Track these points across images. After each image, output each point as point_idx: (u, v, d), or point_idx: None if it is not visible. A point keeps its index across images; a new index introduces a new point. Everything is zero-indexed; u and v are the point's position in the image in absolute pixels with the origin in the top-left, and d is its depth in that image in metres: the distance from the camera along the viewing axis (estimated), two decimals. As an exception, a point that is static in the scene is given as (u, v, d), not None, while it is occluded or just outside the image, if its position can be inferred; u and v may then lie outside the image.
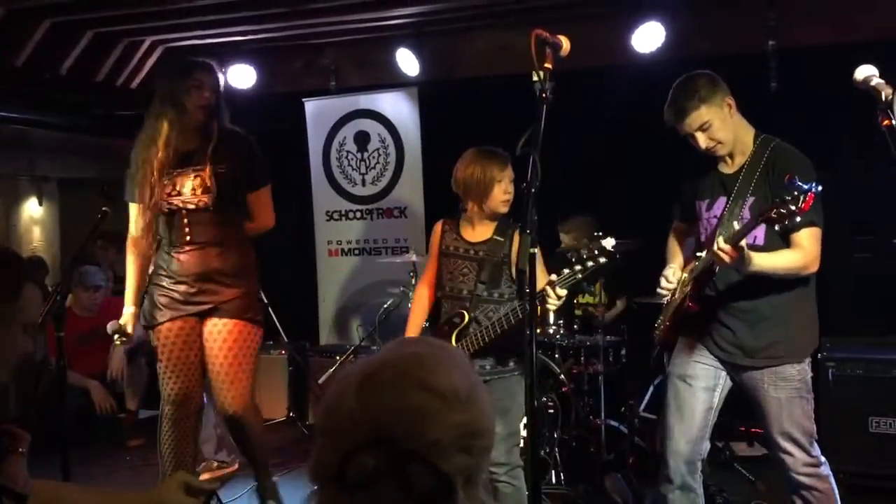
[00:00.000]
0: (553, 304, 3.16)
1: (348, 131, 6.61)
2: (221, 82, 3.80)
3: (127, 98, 6.38)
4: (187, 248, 3.70)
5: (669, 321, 3.24)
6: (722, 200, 3.08)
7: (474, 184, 3.39)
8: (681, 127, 3.03)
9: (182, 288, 3.71)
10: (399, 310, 5.60)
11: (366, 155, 6.58)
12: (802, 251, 2.90)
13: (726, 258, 2.74)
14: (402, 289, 5.59)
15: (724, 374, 3.16)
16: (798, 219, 2.60)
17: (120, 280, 6.91)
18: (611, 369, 4.92)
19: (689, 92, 2.99)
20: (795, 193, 2.51)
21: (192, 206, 3.67)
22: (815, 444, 3.08)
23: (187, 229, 3.69)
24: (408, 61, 5.95)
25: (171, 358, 3.74)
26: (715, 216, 3.09)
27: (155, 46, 6.27)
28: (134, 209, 3.77)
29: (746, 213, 2.92)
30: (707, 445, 3.24)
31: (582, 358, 4.93)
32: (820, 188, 2.52)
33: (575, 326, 5.05)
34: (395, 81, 6.29)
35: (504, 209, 3.45)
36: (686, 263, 3.27)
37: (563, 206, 5.52)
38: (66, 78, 5.79)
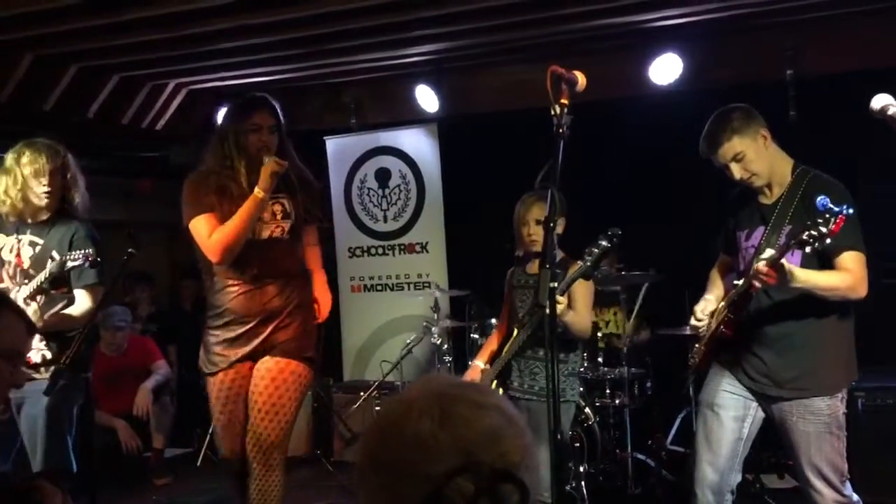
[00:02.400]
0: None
1: (369, 168, 6.68)
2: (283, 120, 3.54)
3: (152, 140, 6.49)
4: (254, 283, 3.40)
5: (705, 348, 3.23)
6: (760, 230, 3.09)
7: (514, 227, 3.72)
8: (714, 158, 3.05)
9: (244, 328, 3.41)
10: (422, 345, 5.60)
11: (387, 191, 6.63)
12: (848, 273, 2.87)
13: (766, 279, 2.73)
14: (424, 324, 5.60)
15: (754, 404, 3.12)
16: (829, 241, 2.56)
17: (151, 319, 7.00)
18: (636, 402, 4.89)
19: (722, 124, 3.02)
20: (826, 216, 2.50)
21: (265, 236, 3.42)
22: (848, 484, 3.02)
23: (256, 261, 3.39)
24: (427, 98, 6.01)
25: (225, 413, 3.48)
26: (753, 245, 3.09)
27: (179, 89, 6.38)
28: (204, 221, 3.35)
29: (783, 241, 2.90)
30: (737, 477, 3.20)
31: (607, 390, 4.91)
32: (851, 211, 2.50)
33: (599, 359, 5.03)
34: (414, 118, 6.36)
35: (534, 248, 3.70)
36: (725, 294, 3.26)
37: (585, 238, 5.52)
38: (92, 121, 5.91)
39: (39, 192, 3.62)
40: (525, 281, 3.81)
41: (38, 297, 3.52)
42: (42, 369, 3.55)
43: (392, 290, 6.57)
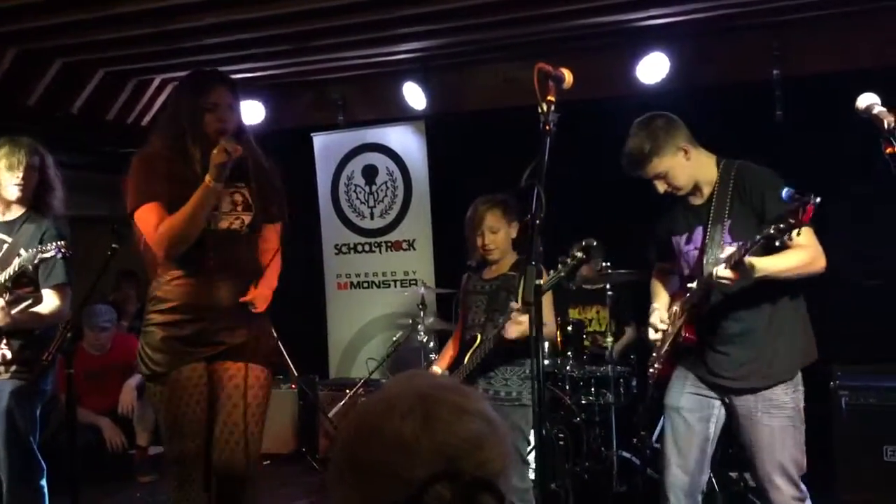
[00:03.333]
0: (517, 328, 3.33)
1: (356, 165, 6.66)
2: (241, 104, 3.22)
3: (137, 136, 6.44)
4: (208, 277, 3.07)
5: (665, 357, 3.22)
6: (699, 230, 3.09)
7: (466, 233, 3.72)
8: (638, 175, 3.09)
9: (196, 326, 3.08)
10: (408, 342, 5.60)
11: (374, 188, 6.62)
12: (805, 249, 2.85)
13: (728, 283, 2.75)
14: (411, 321, 5.59)
15: (717, 402, 3.13)
16: (798, 231, 2.55)
17: (138, 316, 6.95)
18: (621, 400, 4.90)
19: (641, 145, 3.03)
20: (795, 206, 2.49)
21: (223, 227, 3.09)
22: (801, 481, 3.02)
23: (211, 253, 3.05)
24: (415, 95, 6.00)
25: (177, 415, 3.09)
26: (696, 247, 3.09)
27: (164, 85, 6.35)
28: (151, 211, 3.04)
29: (728, 237, 2.92)
30: (706, 477, 3.20)
31: (592, 389, 4.91)
32: (818, 199, 2.47)
33: (584, 357, 5.03)
34: (402, 115, 6.35)
35: (490, 257, 3.69)
36: (674, 298, 3.26)
37: (570, 237, 5.53)
38: (77, 117, 5.87)
39: (11, 184, 3.60)
40: (481, 287, 3.77)
41: (4, 295, 3.50)
42: (1, 368, 3.55)
43: (379, 287, 6.56)
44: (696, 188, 3.10)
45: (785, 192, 2.56)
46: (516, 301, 3.28)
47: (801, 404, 3.04)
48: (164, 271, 3.13)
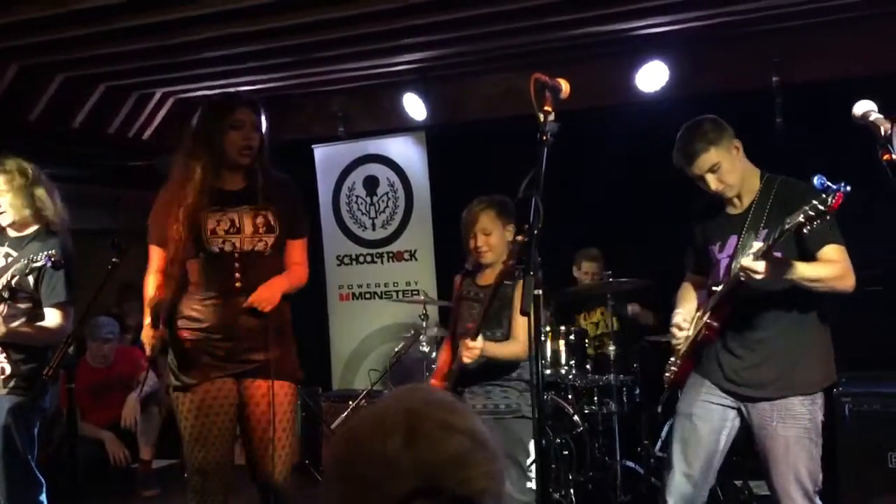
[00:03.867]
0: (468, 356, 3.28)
1: (357, 176, 6.67)
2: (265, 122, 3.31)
3: (139, 150, 6.47)
4: (235, 298, 3.19)
5: (683, 361, 3.21)
6: (733, 239, 3.08)
7: (462, 235, 3.61)
8: (690, 170, 3.05)
9: (225, 345, 3.21)
10: (410, 353, 5.59)
11: (375, 199, 6.63)
12: (836, 264, 2.86)
13: (756, 275, 2.71)
14: (412, 332, 5.59)
15: (733, 414, 3.11)
16: (828, 218, 2.53)
17: (134, 330, 6.95)
18: (625, 409, 4.88)
19: (697, 135, 3.01)
20: (824, 196, 2.48)
21: (247, 248, 3.21)
22: (818, 497, 3.00)
23: (238, 275, 3.19)
24: (415, 106, 6.02)
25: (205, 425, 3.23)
26: (728, 255, 3.08)
27: (166, 98, 6.37)
28: (155, 253, 3.31)
29: (775, 233, 2.83)
30: (707, 490, 3.17)
31: (595, 398, 4.90)
32: (849, 188, 2.47)
33: (587, 366, 5.02)
34: (402, 126, 6.36)
35: (483, 260, 3.56)
36: (699, 308, 3.25)
37: (570, 246, 5.54)
38: (78, 131, 5.88)
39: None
40: (475, 294, 3.64)
41: (1, 307, 3.52)
42: None
43: (380, 298, 6.56)
44: (738, 196, 3.09)
45: (816, 179, 2.54)
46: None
47: (820, 419, 3.01)
48: (195, 290, 3.25)
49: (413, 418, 1.16)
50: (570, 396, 4.92)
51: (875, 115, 2.27)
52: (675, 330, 3.20)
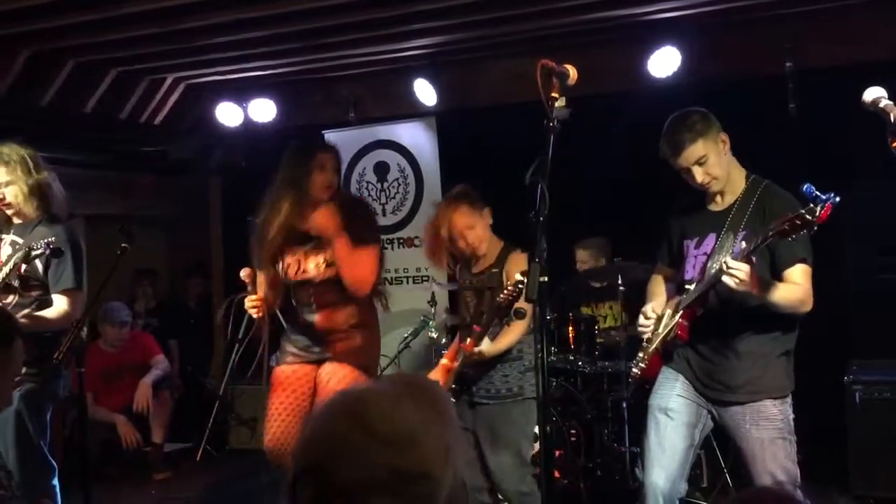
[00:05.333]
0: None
1: (368, 162, 6.66)
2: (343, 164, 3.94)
3: (150, 135, 6.49)
4: (312, 313, 3.78)
5: (651, 358, 3.19)
6: (711, 237, 3.06)
7: (439, 245, 3.71)
8: (676, 161, 3.03)
9: (303, 343, 3.84)
10: (419, 339, 5.60)
11: (385, 185, 6.62)
12: (797, 287, 2.87)
13: (740, 275, 2.68)
14: (422, 318, 5.59)
15: (705, 412, 3.10)
16: (815, 229, 2.50)
17: (152, 314, 7.02)
18: (634, 396, 4.88)
19: (685, 126, 2.98)
20: (812, 206, 2.45)
21: (317, 280, 3.73)
22: (799, 491, 2.97)
23: (313, 298, 3.75)
24: (425, 91, 5.99)
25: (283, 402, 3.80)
26: (704, 253, 3.06)
27: (177, 83, 6.38)
28: (261, 276, 3.82)
29: (741, 245, 2.85)
30: (685, 485, 3.15)
31: (604, 385, 4.90)
32: (838, 199, 2.45)
33: (596, 353, 5.02)
34: (412, 111, 6.34)
35: (480, 252, 3.61)
36: (668, 303, 3.23)
37: (580, 232, 5.52)
38: (90, 116, 5.90)
39: None
40: (469, 281, 3.71)
41: (11, 298, 3.53)
42: None
43: (390, 283, 6.53)
44: (721, 193, 3.07)
45: (805, 187, 2.52)
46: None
47: (791, 416, 3.01)
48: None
49: (332, 402, 1.21)
50: (578, 383, 4.91)
51: (885, 102, 2.25)
52: (641, 318, 3.18)
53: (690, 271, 3.11)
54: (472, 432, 3.62)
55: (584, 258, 5.41)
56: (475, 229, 3.53)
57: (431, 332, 5.36)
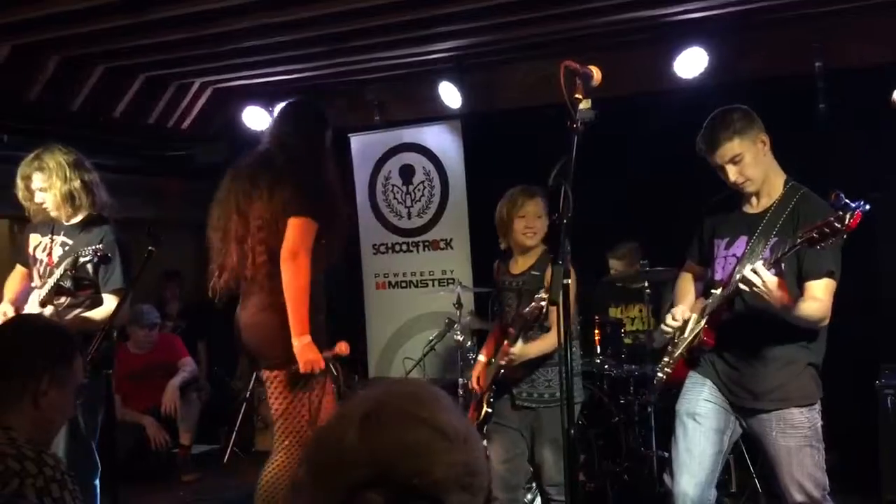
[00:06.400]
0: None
1: (393, 165, 6.68)
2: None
3: (178, 139, 6.54)
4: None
5: (678, 363, 3.15)
6: (743, 240, 3.02)
7: (498, 221, 3.75)
8: (712, 158, 2.98)
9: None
10: (445, 342, 5.60)
11: (411, 188, 6.63)
12: (818, 302, 2.81)
13: (757, 282, 2.65)
14: (447, 320, 5.58)
15: (733, 418, 3.06)
16: (844, 237, 2.48)
17: (181, 316, 7.07)
18: (661, 399, 4.84)
19: (723, 123, 2.94)
20: (841, 213, 2.42)
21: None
22: (829, 498, 2.94)
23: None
24: (450, 94, 6.00)
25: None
26: (734, 255, 3.02)
27: (204, 88, 6.43)
28: None
29: (767, 253, 2.82)
30: (714, 492, 3.11)
31: (631, 388, 4.86)
32: (868, 207, 2.42)
33: (623, 356, 4.98)
34: (438, 114, 6.35)
35: (529, 242, 3.67)
36: (695, 305, 3.20)
37: (608, 234, 5.49)
38: (119, 121, 5.97)
39: (36, 200, 3.79)
40: (509, 283, 3.77)
41: (63, 299, 3.59)
42: None
43: (416, 286, 6.56)
44: (757, 195, 3.02)
45: (834, 195, 2.48)
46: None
47: (819, 423, 2.95)
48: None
49: (371, 407, 1.16)
50: (605, 386, 4.88)
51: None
52: (668, 318, 3.13)
53: (719, 272, 3.07)
54: (517, 431, 3.69)
55: (618, 267, 5.38)
56: (541, 219, 3.69)
57: (456, 335, 5.35)
